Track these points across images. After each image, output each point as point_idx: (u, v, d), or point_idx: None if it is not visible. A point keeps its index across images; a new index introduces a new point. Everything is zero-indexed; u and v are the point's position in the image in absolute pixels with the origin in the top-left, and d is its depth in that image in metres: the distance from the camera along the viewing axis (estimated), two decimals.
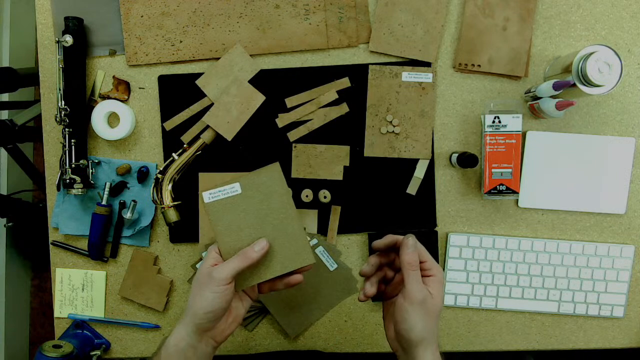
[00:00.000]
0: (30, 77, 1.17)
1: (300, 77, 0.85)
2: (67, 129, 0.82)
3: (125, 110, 0.84)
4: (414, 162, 0.85)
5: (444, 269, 0.86)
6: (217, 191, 0.64)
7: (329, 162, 0.85)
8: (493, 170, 0.81)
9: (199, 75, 0.85)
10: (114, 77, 0.86)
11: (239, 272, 0.61)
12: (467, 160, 0.79)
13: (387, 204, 0.85)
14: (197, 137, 0.84)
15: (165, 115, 0.85)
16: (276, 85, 0.85)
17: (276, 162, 0.64)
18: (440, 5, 0.83)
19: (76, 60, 0.83)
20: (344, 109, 0.85)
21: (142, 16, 0.84)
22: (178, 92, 0.85)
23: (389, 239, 0.65)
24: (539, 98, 0.80)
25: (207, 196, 0.63)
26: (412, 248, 0.61)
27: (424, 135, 0.85)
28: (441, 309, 0.62)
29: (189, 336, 0.60)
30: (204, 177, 0.85)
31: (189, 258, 0.87)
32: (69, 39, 0.80)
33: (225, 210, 0.63)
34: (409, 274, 0.61)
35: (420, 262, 0.62)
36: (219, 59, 0.84)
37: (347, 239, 0.87)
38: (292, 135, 0.85)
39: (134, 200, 0.84)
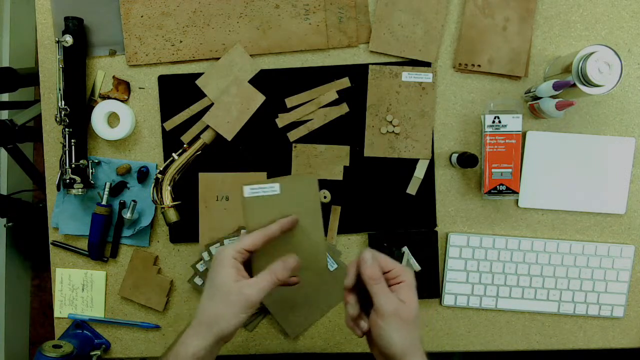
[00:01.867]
0: (30, 77, 1.17)
1: (300, 77, 0.85)
2: (67, 129, 0.82)
3: (125, 110, 0.84)
4: (414, 162, 0.85)
5: (443, 269, 0.86)
6: (258, 188, 0.65)
7: (329, 162, 0.85)
8: (493, 170, 0.81)
9: (199, 75, 0.85)
10: (114, 77, 0.86)
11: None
12: (467, 160, 0.79)
13: (387, 204, 0.85)
14: (197, 137, 0.84)
15: (165, 115, 0.85)
16: (276, 85, 0.85)
17: (314, 176, 0.68)
18: (440, 5, 0.83)
19: (76, 60, 0.83)
20: (344, 109, 0.85)
21: (142, 16, 0.84)
22: (178, 92, 0.85)
23: (351, 268, 0.61)
24: (539, 98, 0.80)
25: (247, 190, 0.64)
26: (369, 261, 0.59)
27: (424, 135, 0.85)
28: (417, 314, 0.59)
29: (209, 346, 0.58)
30: (204, 177, 0.85)
31: (189, 258, 0.87)
32: (69, 39, 0.80)
33: (261, 207, 0.64)
34: (372, 288, 0.58)
35: (386, 272, 0.60)
36: (219, 59, 0.84)
37: (347, 239, 0.87)
38: (292, 135, 0.85)
39: (134, 200, 0.84)
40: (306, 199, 0.66)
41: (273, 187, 0.65)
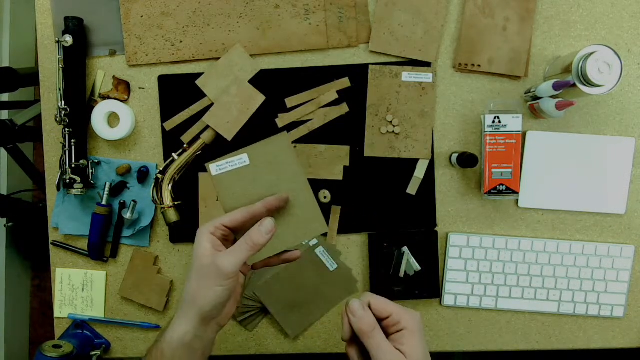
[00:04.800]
0: (30, 77, 1.17)
1: (300, 77, 0.85)
2: (67, 129, 0.82)
3: (125, 110, 0.84)
4: (414, 162, 0.85)
5: (443, 269, 0.86)
6: (225, 163, 0.60)
7: (329, 162, 0.85)
8: (493, 170, 0.81)
9: (199, 75, 0.85)
10: (114, 77, 0.86)
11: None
12: (467, 160, 0.78)
13: (387, 204, 0.85)
14: (197, 137, 0.84)
15: (165, 115, 0.85)
16: (276, 85, 0.85)
17: (284, 132, 0.61)
18: (440, 5, 0.83)
19: (76, 60, 0.83)
20: (344, 109, 0.85)
21: (142, 16, 0.84)
22: (178, 92, 0.85)
23: (344, 319, 0.55)
24: (539, 98, 0.80)
25: (214, 168, 0.60)
26: (359, 312, 0.52)
27: (424, 135, 0.85)
28: None
29: (194, 329, 0.56)
30: (204, 177, 0.85)
31: (189, 258, 0.87)
32: (69, 39, 0.80)
33: (234, 182, 0.60)
34: (366, 342, 0.52)
35: (384, 319, 0.53)
36: (219, 59, 0.84)
37: (347, 239, 0.87)
38: (292, 135, 0.85)
39: (134, 200, 0.84)
40: (282, 162, 0.60)
41: (241, 159, 0.60)
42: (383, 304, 0.54)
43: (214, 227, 0.57)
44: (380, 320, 0.54)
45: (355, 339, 0.55)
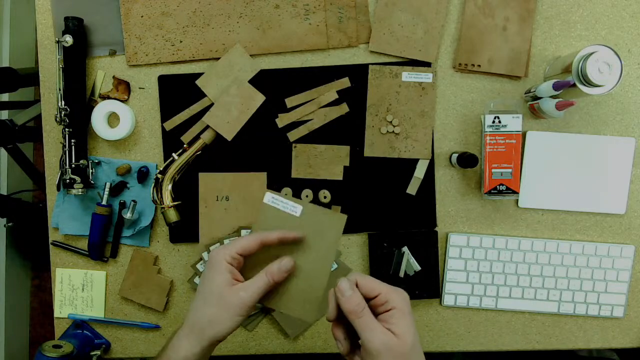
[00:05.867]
0: (30, 77, 1.17)
1: (300, 77, 0.85)
2: (67, 129, 0.82)
3: (125, 110, 0.84)
4: (414, 162, 0.85)
5: (443, 269, 0.86)
6: (280, 200, 0.62)
7: (329, 162, 0.85)
8: (493, 170, 0.81)
9: (199, 75, 0.85)
10: (114, 77, 0.86)
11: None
12: (467, 160, 0.78)
13: (387, 204, 0.85)
14: (197, 137, 0.84)
15: (165, 115, 0.85)
16: (276, 85, 0.85)
17: (345, 215, 0.62)
18: (440, 5, 0.83)
19: (76, 60, 0.83)
20: (344, 109, 0.85)
21: (142, 16, 0.84)
22: (178, 92, 0.85)
23: (331, 298, 0.55)
24: (539, 98, 0.80)
25: (268, 197, 0.62)
26: (347, 292, 0.52)
27: (424, 135, 0.85)
28: (414, 344, 0.50)
29: (202, 350, 0.57)
30: (204, 177, 0.85)
31: (189, 258, 0.87)
32: (69, 39, 0.80)
33: (274, 220, 0.62)
34: (355, 323, 0.51)
35: (372, 298, 0.52)
36: (219, 59, 0.84)
37: (347, 239, 0.87)
38: (292, 135, 0.85)
39: (134, 200, 0.84)
40: (325, 237, 0.61)
41: (295, 207, 0.63)
42: (371, 283, 0.53)
43: (231, 257, 0.57)
44: (368, 299, 0.53)
45: (341, 319, 0.54)
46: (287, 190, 0.85)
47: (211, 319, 0.56)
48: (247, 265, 0.60)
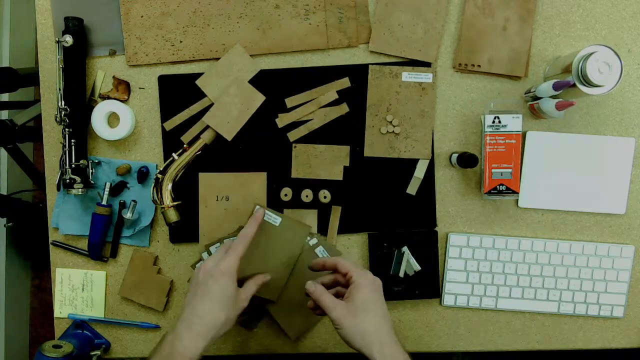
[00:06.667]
0: (30, 77, 1.17)
1: (300, 77, 0.85)
2: (67, 129, 0.82)
3: (125, 110, 0.84)
4: (414, 162, 0.85)
5: (443, 269, 0.86)
6: (265, 213, 0.81)
7: (329, 162, 0.85)
8: (493, 170, 0.81)
9: (199, 75, 0.85)
10: (114, 77, 0.86)
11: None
12: (467, 160, 0.79)
13: (387, 204, 0.85)
14: (197, 137, 0.84)
15: (165, 115, 0.85)
16: (276, 85, 0.85)
17: (309, 226, 0.83)
18: (440, 5, 0.83)
19: (76, 60, 0.83)
20: (344, 109, 0.85)
21: (142, 16, 0.84)
22: (178, 92, 0.85)
23: (319, 262, 0.74)
24: (539, 98, 0.80)
25: (259, 209, 0.82)
26: (311, 287, 0.70)
27: (424, 135, 0.85)
28: (362, 307, 0.66)
29: (207, 345, 0.66)
30: (204, 177, 0.85)
31: (189, 258, 0.87)
32: (69, 39, 0.80)
33: (259, 228, 0.78)
34: (320, 304, 0.69)
35: (345, 274, 0.69)
36: (219, 59, 0.84)
37: (347, 239, 0.87)
38: (292, 135, 0.85)
39: (134, 200, 0.84)
40: (292, 242, 0.82)
41: (276, 219, 0.82)
42: (346, 266, 0.69)
43: (237, 266, 0.70)
44: (345, 276, 0.70)
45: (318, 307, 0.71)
46: (287, 190, 0.85)
47: (226, 320, 0.68)
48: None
